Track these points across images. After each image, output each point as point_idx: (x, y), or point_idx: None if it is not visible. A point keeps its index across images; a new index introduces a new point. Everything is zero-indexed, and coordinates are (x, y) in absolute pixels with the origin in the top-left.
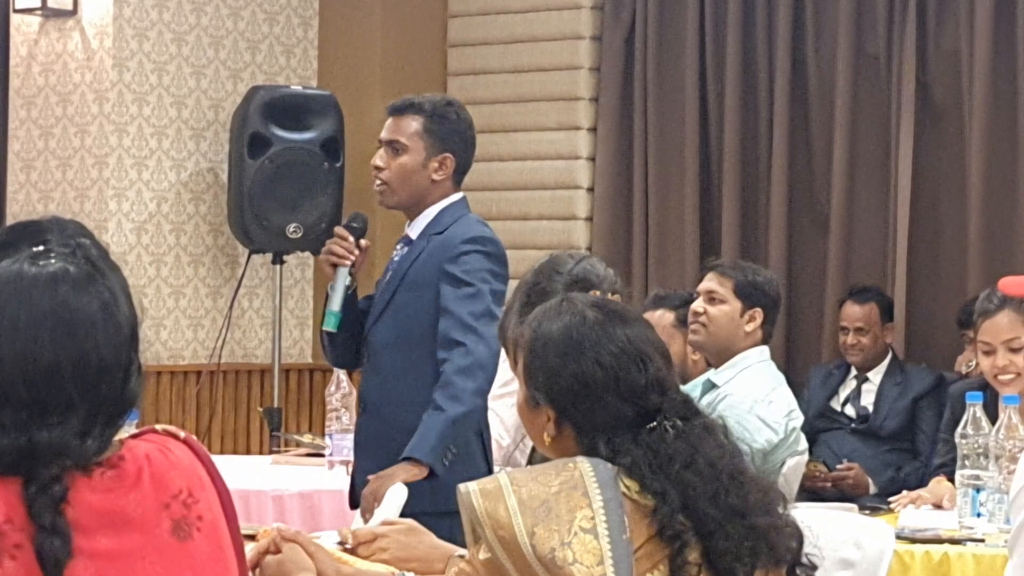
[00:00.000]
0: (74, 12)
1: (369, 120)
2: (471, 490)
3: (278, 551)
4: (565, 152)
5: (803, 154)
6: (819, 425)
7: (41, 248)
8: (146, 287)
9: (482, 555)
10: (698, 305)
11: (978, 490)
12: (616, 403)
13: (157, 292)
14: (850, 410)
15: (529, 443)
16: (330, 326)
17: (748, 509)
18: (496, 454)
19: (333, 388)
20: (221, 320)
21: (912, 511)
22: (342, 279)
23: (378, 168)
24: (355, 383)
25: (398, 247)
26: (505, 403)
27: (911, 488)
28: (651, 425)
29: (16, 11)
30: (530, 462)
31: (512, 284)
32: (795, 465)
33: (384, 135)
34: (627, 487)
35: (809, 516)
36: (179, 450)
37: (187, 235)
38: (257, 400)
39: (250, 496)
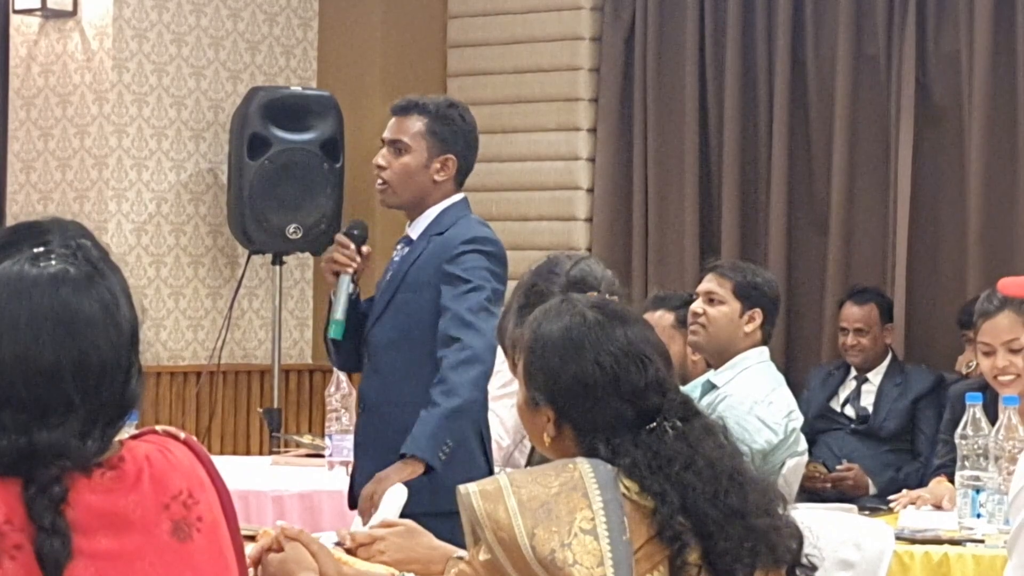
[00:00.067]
0: (74, 13)
1: (369, 121)
2: (471, 491)
3: (280, 549)
4: (565, 153)
5: (803, 155)
6: (819, 426)
7: (42, 249)
8: (146, 288)
9: (482, 556)
10: (697, 306)
11: (978, 491)
12: (616, 404)
13: (157, 293)
14: (850, 411)
15: (528, 444)
16: (335, 334)
17: (748, 510)
18: (496, 455)
19: (333, 389)
20: (221, 321)
21: (912, 512)
22: (345, 287)
23: (380, 167)
24: (355, 384)
25: (398, 247)
26: (505, 404)
27: (911, 489)
28: (651, 426)
29: (16, 12)
30: (529, 463)
31: (512, 285)
32: (795, 466)
33: (387, 135)
34: (627, 488)
35: (809, 517)
36: (179, 451)
37: (187, 236)
38: (257, 401)
39: (250, 497)
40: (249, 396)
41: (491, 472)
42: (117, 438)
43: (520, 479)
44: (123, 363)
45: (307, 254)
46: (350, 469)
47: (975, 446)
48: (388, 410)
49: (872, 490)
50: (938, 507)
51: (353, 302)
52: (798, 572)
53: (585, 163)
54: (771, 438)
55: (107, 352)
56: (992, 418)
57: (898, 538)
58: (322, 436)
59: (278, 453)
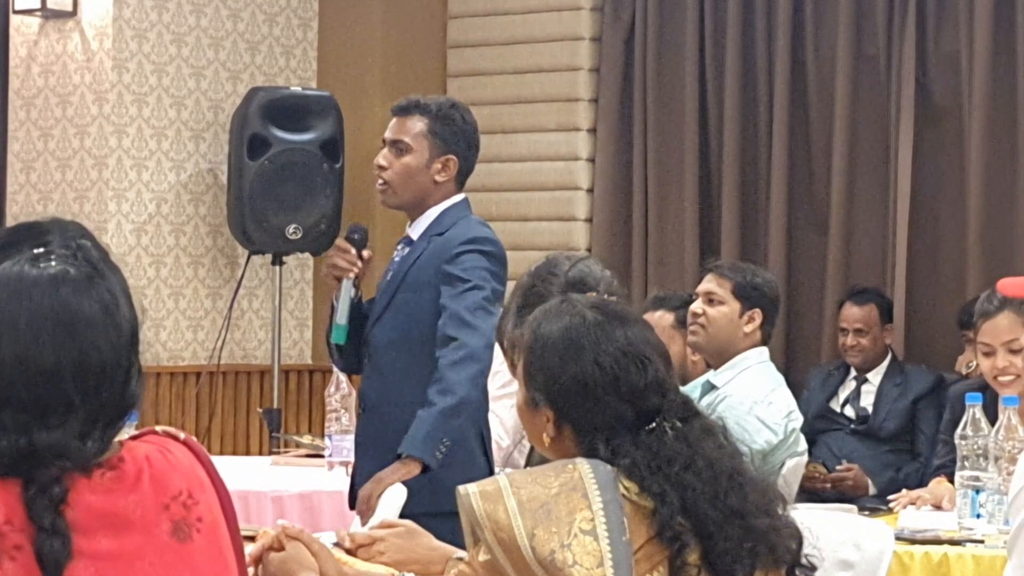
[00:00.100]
0: (74, 13)
1: (369, 121)
2: (470, 492)
3: (281, 548)
4: (565, 153)
5: (803, 155)
6: (818, 426)
7: (42, 250)
8: (146, 288)
9: (481, 557)
10: (697, 306)
11: (977, 491)
12: (615, 404)
13: (156, 293)
14: (849, 411)
15: (528, 444)
16: (338, 339)
17: (747, 510)
18: (496, 455)
19: (332, 389)
20: (221, 321)
21: (912, 512)
22: (347, 291)
23: (381, 168)
24: (355, 384)
25: (399, 247)
26: (505, 404)
27: (910, 489)
28: (650, 426)
29: (16, 12)
30: (528, 463)
31: (512, 285)
32: (794, 466)
33: (388, 135)
34: (626, 488)
35: (808, 517)
36: (179, 451)
37: (187, 236)
38: (257, 401)
39: (250, 497)
40: (249, 396)
41: (492, 472)
42: (117, 438)
43: (520, 480)
44: (123, 363)
45: (307, 254)
46: (350, 469)
47: (975, 446)
48: (388, 410)
49: (872, 490)
50: (938, 507)
51: (355, 306)
52: (797, 572)
53: (585, 163)
54: (771, 438)
55: (107, 353)
56: (992, 418)
57: (898, 538)
58: (322, 436)
59: (278, 453)
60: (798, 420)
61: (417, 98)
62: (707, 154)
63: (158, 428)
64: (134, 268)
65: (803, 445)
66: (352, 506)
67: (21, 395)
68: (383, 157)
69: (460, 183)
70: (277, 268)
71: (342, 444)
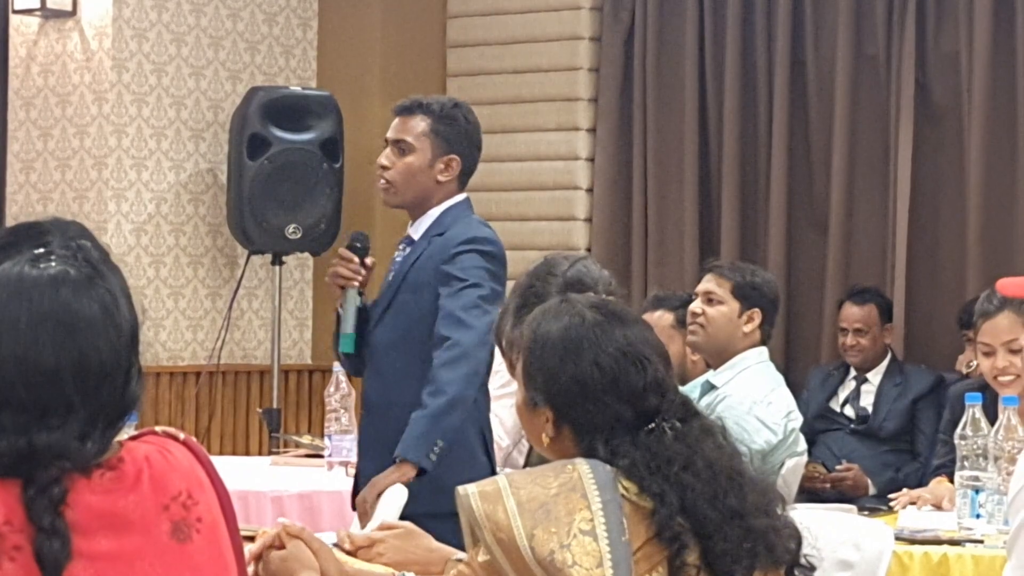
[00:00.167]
0: (73, 13)
1: (369, 121)
2: (470, 492)
3: (282, 547)
4: (564, 153)
5: (802, 155)
6: (818, 426)
7: (42, 250)
8: (145, 288)
9: (481, 557)
10: (696, 306)
11: (977, 491)
12: (615, 404)
13: (156, 293)
14: (849, 411)
15: (527, 444)
16: (346, 348)
17: (747, 510)
18: (496, 455)
19: (332, 389)
20: (220, 321)
21: (911, 512)
22: (352, 300)
23: (384, 167)
24: (355, 385)
25: (400, 247)
26: (504, 404)
27: (910, 489)
28: (650, 427)
29: (15, 12)
30: (527, 463)
31: (512, 285)
32: (794, 466)
33: (391, 134)
34: (626, 489)
35: (808, 517)
36: (178, 452)
37: (186, 236)
38: (256, 401)
39: (249, 497)
40: (248, 396)
41: (494, 473)
42: (117, 439)
43: (519, 480)
44: (123, 364)
45: (307, 254)
46: (350, 469)
47: (974, 446)
48: (390, 411)
49: (871, 490)
50: (938, 507)
51: (361, 313)
52: (797, 572)
53: (584, 163)
54: (770, 438)
55: (107, 353)
56: (992, 418)
57: (897, 538)
58: (321, 436)
59: (277, 453)
60: (797, 420)
61: (420, 98)
62: (707, 154)
63: (158, 428)
64: (134, 268)
65: (803, 445)
66: (354, 507)
67: (21, 396)
68: (386, 157)
69: (462, 183)
70: (277, 268)
71: (342, 444)
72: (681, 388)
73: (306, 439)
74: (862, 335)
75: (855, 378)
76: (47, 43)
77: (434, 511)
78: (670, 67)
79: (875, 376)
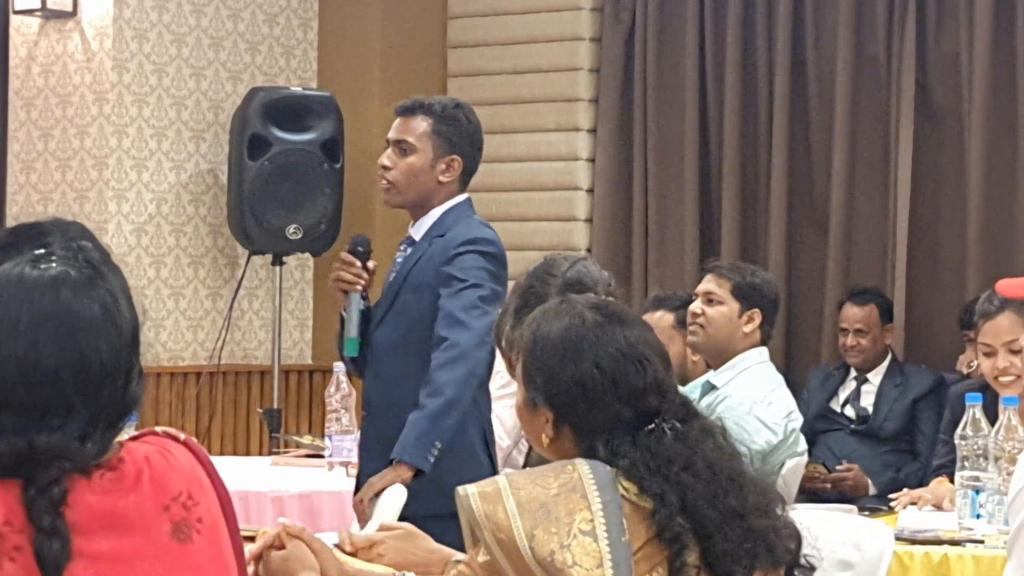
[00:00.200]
0: (74, 13)
1: (369, 121)
2: (470, 493)
3: (282, 547)
4: (565, 153)
5: (803, 156)
6: (818, 426)
7: (43, 251)
8: (146, 288)
9: (481, 558)
10: (696, 306)
11: (977, 491)
12: (614, 405)
13: (157, 293)
14: (850, 411)
15: (527, 444)
16: (351, 352)
17: (747, 511)
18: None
19: (333, 389)
20: (221, 321)
21: (911, 512)
22: (355, 304)
23: (385, 168)
24: (355, 385)
25: (401, 248)
26: (504, 404)
27: (911, 489)
28: (650, 427)
29: (16, 12)
30: (526, 463)
31: (512, 286)
32: (794, 466)
33: (392, 135)
34: (626, 489)
35: (808, 517)
36: (179, 452)
37: (187, 236)
38: (257, 401)
39: (250, 497)
40: (249, 397)
41: (495, 473)
42: (117, 439)
43: (519, 480)
44: (123, 365)
45: (307, 255)
46: (350, 470)
47: (975, 447)
48: (391, 412)
49: (872, 491)
50: (938, 507)
51: (365, 317)
52: (796, 573)
53: (585, 163)
54: (771, 439)
55: (107, 354)
56: (992, 419)
57: (898, 539)
58: (322, 436)
59: (278, 454)
60: (798, 420)
61: (421, 98)
62: (707, 154)
63: (158, 429)
64: (134, 268)
65: (803, 445)
66: None
67: (21, 397)
68: (387, 157)
69: (464, 183)
70: (277, 268)
71: (342, 444)
72: (681, 389)
73: (306, 439)
74: (862, 335)
75: (855, 378)
76: (47, 43)
77: (435, 512)
78: (670, 68)
79: (875, 376)
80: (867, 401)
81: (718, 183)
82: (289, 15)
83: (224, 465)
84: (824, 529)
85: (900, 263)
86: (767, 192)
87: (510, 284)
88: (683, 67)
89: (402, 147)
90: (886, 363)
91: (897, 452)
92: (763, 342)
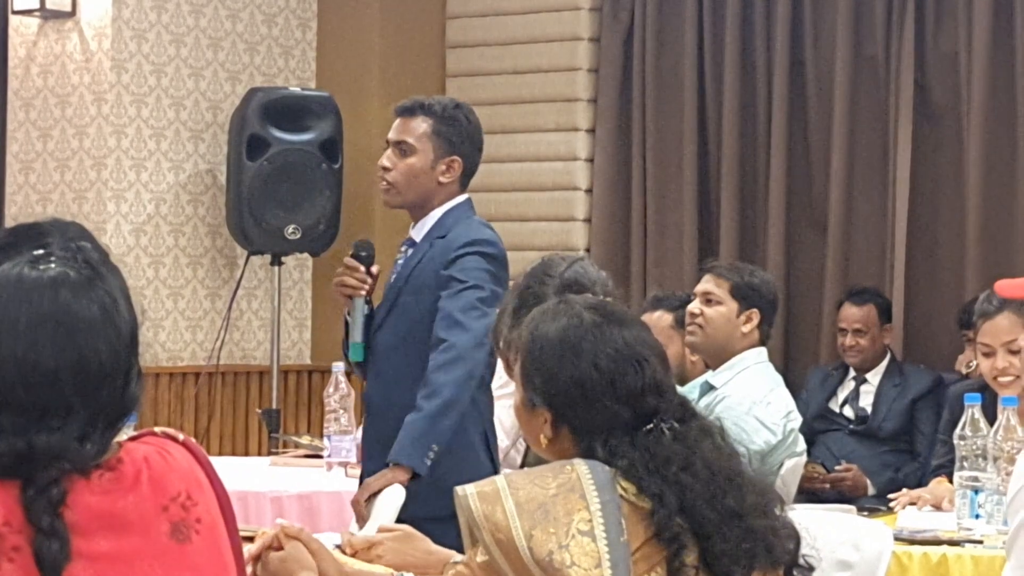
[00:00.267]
0: (73, 14)
1: (368, 121)
2: (468, 493)
3: (281, 547)
4: (563, 153)
5: (801, 156)
6: (817, 426)
7: (42, 252)
8: (144, 288)
9: (479, 558)
10: (694, 306)
11: (976, 491)
12: (613, 405)
13: (155, 294)
14: (848, 411)
15: (524, 443)
16: (356, 357)
17: (745, 511)
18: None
19: (332, 389)
20: (220, 321)
21: (910, 512)
22: (360, 309)
23: (385, 168)
24: (354, 386)
25: (402, 249)
26: (503, 404)
27: (910, 489)
28: (648, 427)
29: (15, 12)
30: (524, 463)
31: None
32: (793, 466)
33: (392, 135)
34: (624, 489)
35: (807, 518)
36: (178, 452)
37: (186, 237)
38: (256, 401)
39: (249, 498)
40: (248, 397)
41: (497, 471)
42: (116, 440)
43: (518, 480)
44: (122, 365)
45: (306, 255)
46: (349, 470)
47: (974, 447)
48: (392, 414)
49: (871, 491)
50: (937, 508)
51: (369, 321)
52: (795, 573)
53: (584, 164)
54: (769, 439)
55: (106, 355)
56: (991, 419)
57: (897, 539)
58: (321, 437)
59: (277, 454)
60: (797, 420)
61: (421, 99)
62: (706, 154)
63: (157, 429)
64: (133, 269)
65: (802, 445)
66: None
67: (20, 397)
68: (387, 158)
69: (464, 184)
70: (276, 268)
71: (341, 444)
72: (680, 389)
73: (305, 439)
74: (861, 335)
75: (854, 378)
76: (46, 44)
77: (435, 514)
78: (669, 67)
79: (874, 376)
80: (866, 401)
81: (717, 183)
82: (288, 15)
83: (223, 465)
84: (823, 529)
85: (899, 263)
86: (766, 192)
87: (510, 285)
88: (682, 67)
89: (402, 148)
90: (885, 363)
91: (896, 452)
92: (762, 342)
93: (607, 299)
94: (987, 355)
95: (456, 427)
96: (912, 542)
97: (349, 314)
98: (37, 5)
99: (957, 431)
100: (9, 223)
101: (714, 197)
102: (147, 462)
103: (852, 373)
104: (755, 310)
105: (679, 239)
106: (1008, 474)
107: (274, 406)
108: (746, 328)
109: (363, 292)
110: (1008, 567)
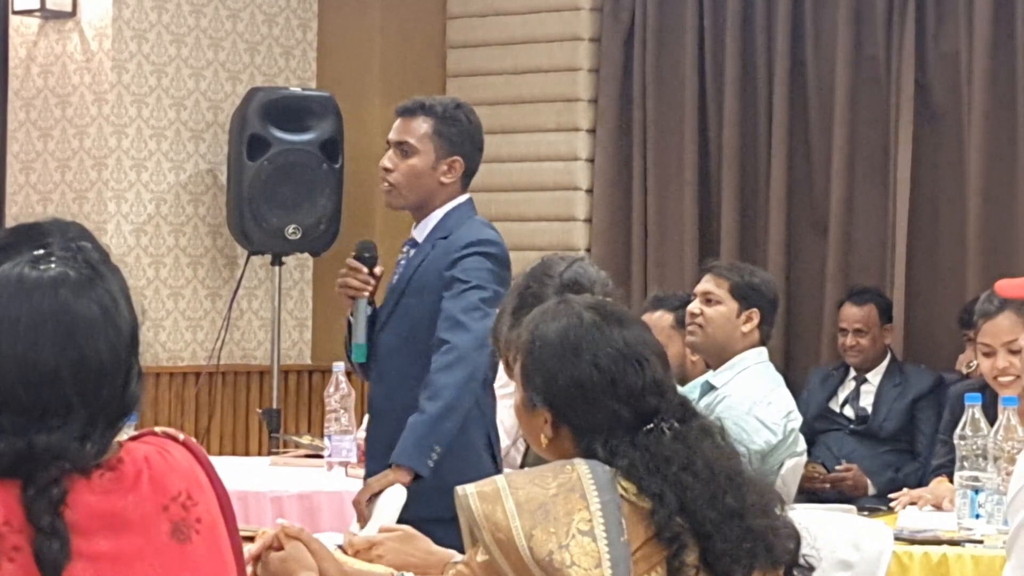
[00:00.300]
0: (73, 14)
1: (368, 121)
2: (468, 493)
3: (281, 547)
4: (564, 153)
5: (802, 156)
6: (818, 426)
7: (42, 252)
8: (145, 288)
9: (480, 558)
10: (695, 306)
11: (977, 491)
12: (613, 405)
13: (156, 294)
14: (849, 411)
15: (524, 443)
16: (359, 358)
17: (746, 511)
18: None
19: (332, 389)
20: (220, 321)
21: (911, 512)
22: (362, 310)
23: (387, 169)
24: (355, 386)
25: (404, 250)
26: (503, 404)
27: (910, 489)
28: (648, 427)
29: (15, 12)
30: (523, 463)
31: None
32: (794, 466)
33: (393, 136)
34: (625, 489)
35: (808, 517)
36: (178, 452)
37: (186, 236)
38: (256, 401)
39: (249, 497)
40: (248, 397)
41: (500, 471)
42: (116, 439)
43: (518, 480)
44: (123, 365)
45: (306, 255)
46: (349, 470)
47: (974, 447)
48: (394, 415)
49: (871, 491)
50: (938, 507)
51: (372, 322)
52: (795, 573)
53: (584, 164)
54: (770, 439)
55: (107, 354)
56: (992, 419)
57: (897, 539)
58: (321, 437)
59: (277, 454)
60: (797, 420)
61: (422, 99)
62: (706, 154)
63: (157, 429)
64: (133, 269)
65: (802, 445)
66: None
67: (21, 397)
68: (388, 159)
69: (465, 184)
70: (276, 268)
71: (341, 444)
72: (680, 389)
73: (306, 439)
74: (862, 335)
75: (855, 378)
76: (47, 44)
77: (437, 516)
78: (670, 68)
79: (875, 376)
80: (866, 401)
81: (717, 183)
82: (288, 15)
83: (223, 465)
84: (823, 529)
85: (899, 263)
86: (766, 192)
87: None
88: (682, 67)
89: (403, 148)
90: (885, 363)
91: (896, 452)
92: (762, 342)
93: (607, 299)
94: (987, 355)
95: (458, 429)
96: (912, 542)
97: (352, 315)
98: (37, 5)
99: (957, 431)
100: (10, 223)
101: (714, 197)
102: (147, 462)
103: (853, 373)
104: (755, 310)
105: (679, 239)
106: (1008, 474)
107: (274, 406)
108: (746, 328)
109: (366, 293)
110: (1008, 567)
